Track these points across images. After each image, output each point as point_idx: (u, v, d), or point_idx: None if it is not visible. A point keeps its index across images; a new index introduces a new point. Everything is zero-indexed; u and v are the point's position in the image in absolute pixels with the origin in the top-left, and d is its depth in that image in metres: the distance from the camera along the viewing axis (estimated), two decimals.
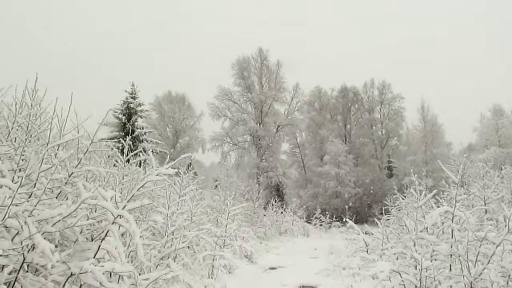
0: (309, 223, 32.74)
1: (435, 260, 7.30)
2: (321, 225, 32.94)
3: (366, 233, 12.88)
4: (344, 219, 14.46)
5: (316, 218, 33.24)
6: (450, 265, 7.22)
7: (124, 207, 5.03)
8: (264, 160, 38.66)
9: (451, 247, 7.10)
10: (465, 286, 6.65)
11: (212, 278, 9.83)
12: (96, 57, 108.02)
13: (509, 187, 13.47)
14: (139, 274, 6.46)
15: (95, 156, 7.96)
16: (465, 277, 6.64)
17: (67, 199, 5.72)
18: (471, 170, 19.87)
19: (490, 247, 6.77)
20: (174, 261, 8.30)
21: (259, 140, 38.69)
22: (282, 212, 28.27)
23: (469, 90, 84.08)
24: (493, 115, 42.19)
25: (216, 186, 24.93)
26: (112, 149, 8.69)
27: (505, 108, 42.37)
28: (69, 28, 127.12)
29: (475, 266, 6.70)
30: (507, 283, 6.54)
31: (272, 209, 27.07)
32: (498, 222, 11.09)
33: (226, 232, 11.88)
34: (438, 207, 8.29)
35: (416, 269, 7.29)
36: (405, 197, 13.93)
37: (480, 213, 12.90)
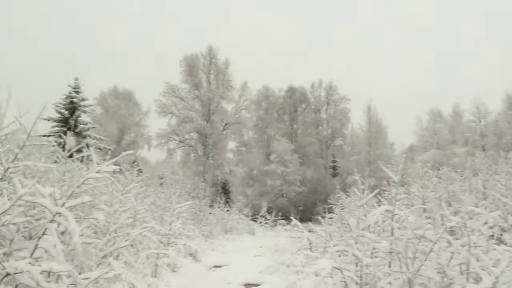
0: (255, 221, 32.92)
1: (376, 257, 7.48)
2: (266, 223, 33.17)
3: (310, 231, 13.09)
4: (289, 218, 14.65)
5: (261, 216, 33.46)
6: (390, 262, 7.42)
7: (63, 204, 4.88)
8: (210, 158, 38.52)
9: (391, 244, 7.31)
10: (403, 282, 6.86)
11: (155, 277, 9.69)
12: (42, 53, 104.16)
13: (446, 187, 14.02)
14: (79, 274, 6.29)
15: (35, 152, 7.69)
16: (403, 274, 6.85)
17: (2, 195, 5.48)
18: (411, 171, 20.57)
19: (427, 244, 7.01)
20: (117, 260, 8.13)
21: (206, 138, 38.49)
22: (228, 210, 28.30)
23: (412, 92, 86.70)
24: (431, 118, 43.82)
25: (162, 184, 24.68)
26: (54, 145, 8.42)
27: (443, 111, 44.14)
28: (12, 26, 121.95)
29: (413, 263, 6.92)
30: (443, 279, 6.80)
31: (218, 207, 27.03)
32: (435, 221, 11.51)
33: (170, 230, 11.76)
34: (380, 206, 8.52)
35: (357, 266, 7.46)
36: (348, 196, 14.25)
37: (419, 212, 13.37)
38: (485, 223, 7.46)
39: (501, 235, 10.13)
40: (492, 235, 9.92)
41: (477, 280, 6.57)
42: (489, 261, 6.61)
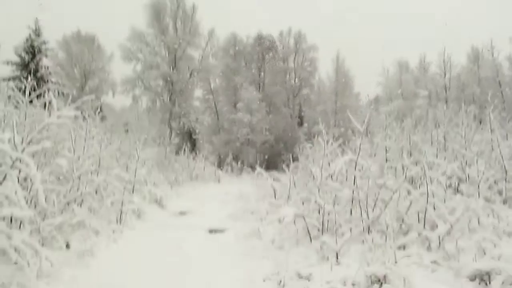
0: (221, 169, 33.12)
1: (338, 205, 7.68)
2: (232, 171, 33.42)
3: (274, 179, 13.26)
4: (255, 166, 14.79)
5: (228, 164, 33.66)
6: (351, 210, 7.63)
7: (23, 150, 4.77)
8: (177, 106, 38.08)
9: (353, 192, 7.50)
10: (363, 229, 7.09)
11: (120, 223, 9.73)
12: None
13: (408, 138, 14.30)
14: (43, 220, 6.25)
15: None
16: (363, 221, 7.07)
17: None
18: (376, 121, 20.89)
19: (388, 193, 7.22)
20: (81, 206, 8.10)
21: (172, 85, 37.87)
22: (194, 158, 28.30)
23: (379, 40, 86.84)
24: (398, 69, 44.16)
25: (127, 131, 24.43)
26: (13, 89, 8.17)
27: (411, 63, 44.54)
28: None
29: (373, 210, 7.14)
30: (400, 226, 7.05)
31: (184, 155, 27.00)
32: (397, 170, 11.82)
33: (135, 177, 11.73)
34: (344, 155, 8.67)
35: (319, 213, 7.64)
36: (313, 145, 14.41)
37: (382, 162, 13.68)
38: (444, 173, 7.71)
39: (458, 185, 10.49)
40: (450, 185, 10.29)
41: (433, 227, 6.84)
42: (445, 209, 6.87)
